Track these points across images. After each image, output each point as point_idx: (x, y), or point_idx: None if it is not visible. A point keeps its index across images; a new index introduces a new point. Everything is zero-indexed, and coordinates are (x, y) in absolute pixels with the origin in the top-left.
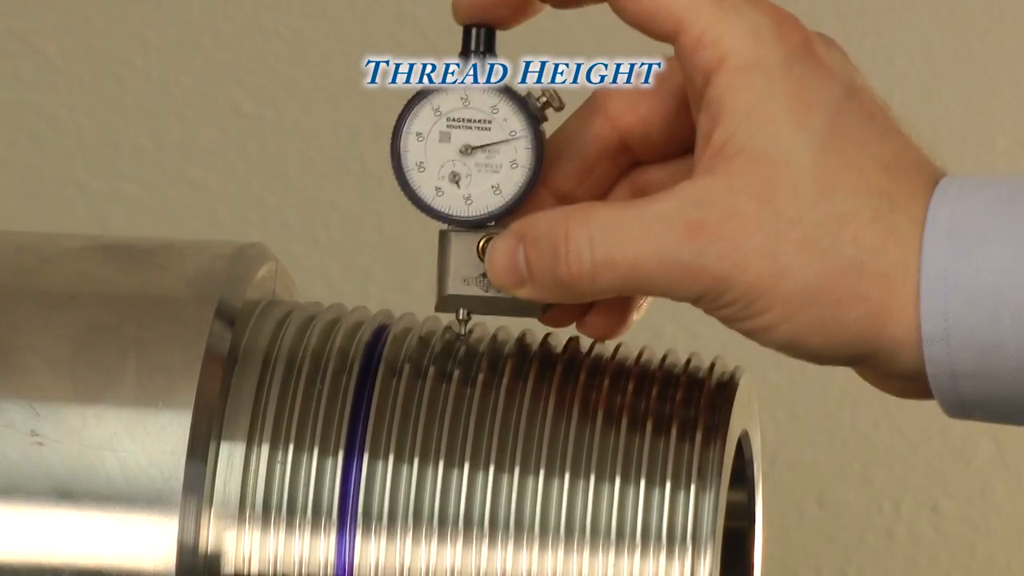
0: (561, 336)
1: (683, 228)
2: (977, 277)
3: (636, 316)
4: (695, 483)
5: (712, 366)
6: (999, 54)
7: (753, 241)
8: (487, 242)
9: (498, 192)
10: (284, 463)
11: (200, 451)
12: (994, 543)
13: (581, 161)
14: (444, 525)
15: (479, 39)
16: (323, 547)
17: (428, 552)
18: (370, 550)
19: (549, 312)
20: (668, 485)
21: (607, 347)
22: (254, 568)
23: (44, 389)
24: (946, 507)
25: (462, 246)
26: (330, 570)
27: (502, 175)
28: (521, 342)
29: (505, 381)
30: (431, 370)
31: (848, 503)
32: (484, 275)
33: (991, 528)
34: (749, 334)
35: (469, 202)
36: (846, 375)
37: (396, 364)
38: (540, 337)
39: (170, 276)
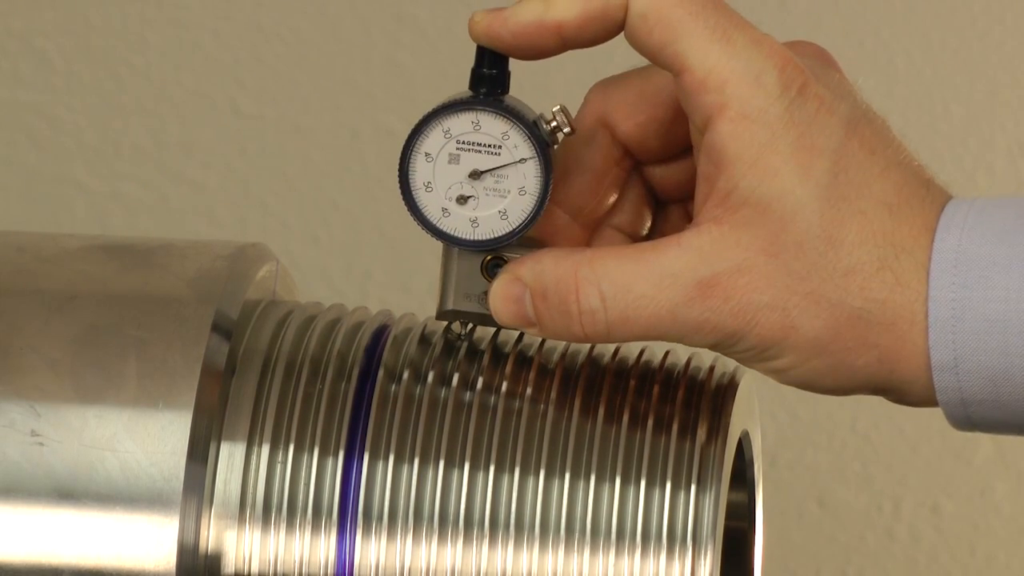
0: None
1: (694, 287)
2: (985, 307)
3: None
4: (695, 483)
5: (712, 366)
6: (999, 54)
7: (763, 297)
8: (491, 260)
9: (505, 217)
10: (284, 463)
11: (200, 451)
12: (994, 543)
13: (591, 174)
14: (444, 525)
15: (493, 60)
16: (323, 547)
17: (428, 552)
18: (370, 550)
19: None
20: (668, 485)
21: (608, 347)
22: (254, 568)
23: (44, 389)
24: (946, 507)
25: (466, 262)
26: (330, 570)
27: (510, 200)
28: (521, 343)
29: (505, 382)
30: (431, 371)
31: (848, 503)
32: (486, 293)
33: (991, 528)
34: (765, 373)
35: (475, 225)
36: None
37: (396, 365)
38: (540, 338)
39: (170, 276)
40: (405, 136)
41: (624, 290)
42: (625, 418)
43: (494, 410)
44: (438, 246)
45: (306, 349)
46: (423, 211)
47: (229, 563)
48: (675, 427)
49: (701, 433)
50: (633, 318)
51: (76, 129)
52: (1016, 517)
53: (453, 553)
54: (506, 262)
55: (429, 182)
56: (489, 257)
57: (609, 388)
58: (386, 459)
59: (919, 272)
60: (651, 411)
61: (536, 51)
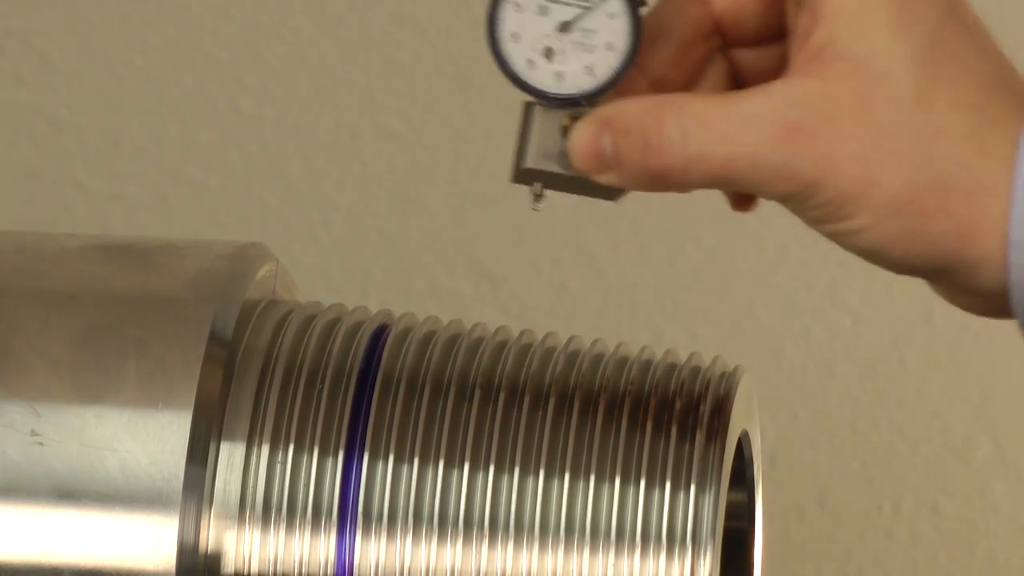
0: (562, 334)
1: (779, 129)
2: None
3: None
4: (695, 483)
5: (712, 366)
6: None
7: (848, 148)
8: (572, 120)
9: (591, 73)
10: (284, 463)
11: (200, 451)
12: (994, 543)
13: (676, 44)
14: (444, 525)
15: None
16: (323, 547)
17: (428, 552)
18: (370, 550)
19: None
20: (668, 485)
21: (607, 346)
22: (254, 568)
23: (44, 389)
24: (946, 507)
25: (546, 120)
26: (330, 570)
27: (597, 56)
28: (521, 340)
29: (505, 381)
30: (431, 371)
31: (848, 503)
32: (565, 152)
33: (991, 528)
34: (833, 236)
35: (561, 79)
36: (846, 375)
37: (396, 364)
38: (540, 336)
39: (170, 276)
40: (405, 136)
41: (707, 125)
42: (625, 418)
43: (494, 410)
44: (438, 246)
45: (306, 349)
46: (509, 62)
47: (229, 563)
48: (675, 427)
49: (701, 433)
50: (712, 154)
51: (76, 129)
52: (1016, 517)
53: (453, 553)
54: None
55: (516, 32)
56: (570, 116)
57: (609, 388)
58: (386, 459)
59: (1009, 145)
60: (651, 411)
61: None
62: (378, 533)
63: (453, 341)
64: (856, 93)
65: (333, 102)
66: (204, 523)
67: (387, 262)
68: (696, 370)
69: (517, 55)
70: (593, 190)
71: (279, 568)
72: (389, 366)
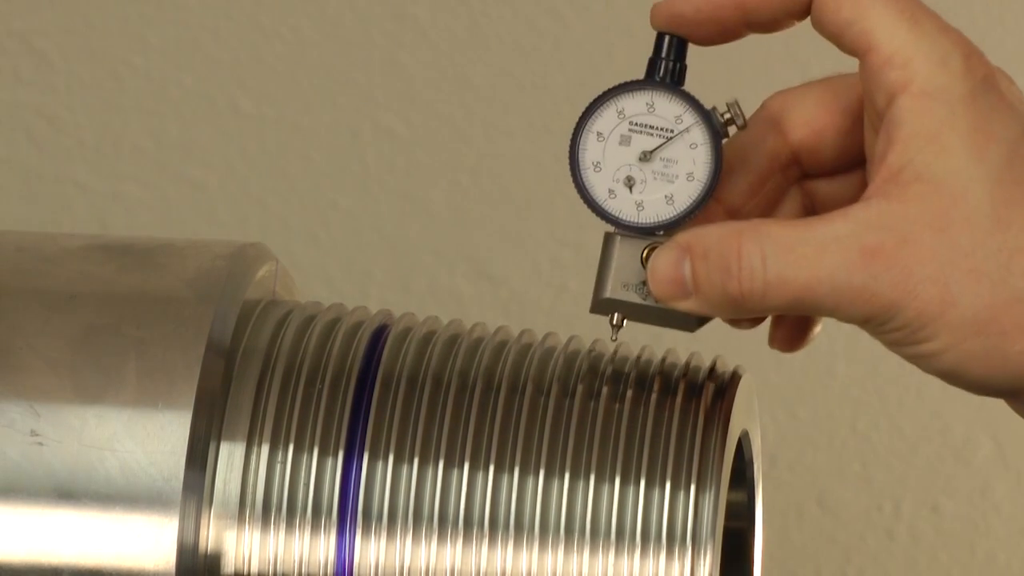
0: (562, 335)
1: (858, 252)
2: None
3: (816, 331)
4: (695, 483)
5: (712, 366)
6: (999, 54)
7: (926, 269)
8: (652, 251)
9: (671, 202)
10: (284, 463)
11: (200, 451)
12: (994, 543)
13: (754, 175)
14: (444, 525)
15: (670, 47)
16: (323, 547)
17: (428, 552)
18: (370, 550)
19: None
20: (668, 485)
21: (607, 347)
22: (254, 568)
23: (44, 389)
24: (946, 507)
25: (626, 251)
26: (330, 570)
27: (677, 186)
28: (521, 340)
29: (505, 381)
30: (431, 370)
31: (848, 503)
32: (644, 283)
33: (991, 528)
34: (913, 359)
35: (641, 209)
36: (846, 375)
37: (396, 364)
38: (540, 336)
39: (170, 276)
40: (405, 136)
41: (786, 250)
42: (625, 418)
43: (494, 410)
44: (438, 246)
45: (306, 349)
46: (590, 191)
47: (229, 563)
48: (675, 427)
49: (700, 433)
50: (791, 279)
51: (76, 129)
52: (1016, 517)
53: (453, 553)
54: None
55: (598, 162)
56: (649, 247)
57: (609, 387)
58: (386, 459)
59: None
60: (651, 411)
61: (717, 29)
62: (378, 533)
63: (453, 341)
64: (934, 214)
65: (333, 102)
66: (204, 523)
67: (387, 262)
68: (696, 370)
69: (599, 184)
70: (672, 320)
71: (279, 568)
72: (389, 366)
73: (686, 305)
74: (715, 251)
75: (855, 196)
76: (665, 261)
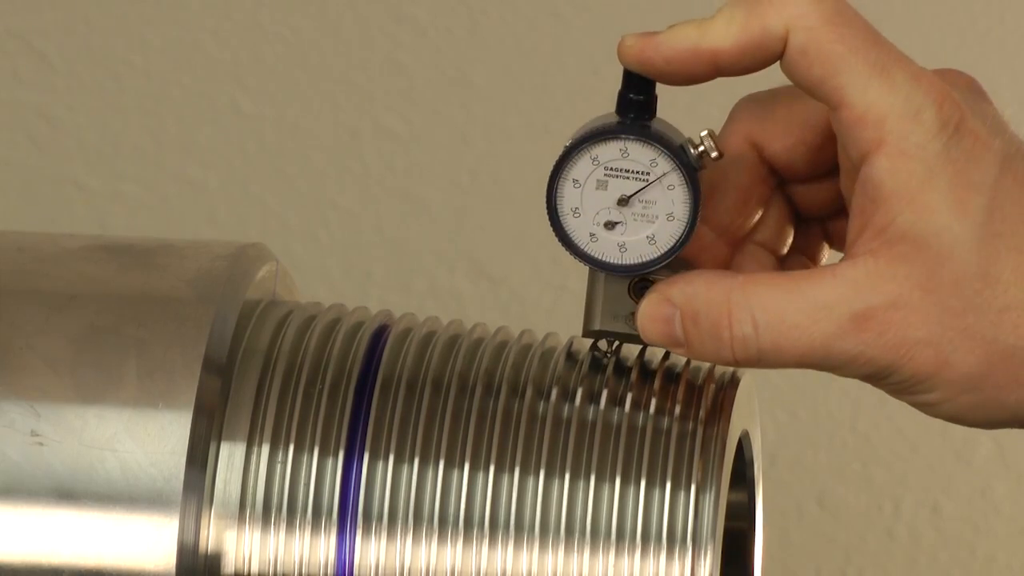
0: (562, 335)
1: (848, 320)
2: None
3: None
4: (695, 483)
5: (712, 366)
6: (999, 54)
7: (918, 333)
8: (639, 282)
9: (653, 242)
10: (284, 463)
11: (200, 451)
12: (994, 543)
13: (736, 192)
14: (444, 525)
15: (641, 85)
16: (323, 547)
17: (428, 552)
18: (370, 550)
19: None
20: (668, 485)
21: (607, 347)
22: (254, 568)
23: (44, 389)
24: (946, 507)
25: (613, 284)
26: (330, 570)
27: (658, 226)
28: (521, 340)
29: (506, 381)
30: (431, 371)
31: (848, 503)
32: (634, 314)
33: (991, 528)
34: (914, 406)
35: (623, 250)
36: None
37: (396, 364)
38: (541, 336)
39: (170, 276)
40: (405, 136)
41: (777, 319)
42: (625, 418)
43: (494, 410)
44: (438, 246)
45: (306, 349)
46: (571, 236)
47: (229, 563)
48: (675, 427)
49: (701, 433)
50: (785, 347)
51: (76, 129)
52: (1016, 517)
53: (453, 553)
54: (653, 283)
55: (577, 208)
56: (636, 279)
57: (609, 388)
58: (386, 459)
59: None
60: (651, 411)
61: (687, 77)
62: (378, 533)
63: (453, 341)
64: (921, 275)
65: (333, 102)
66: (204, 523)
67: (387, 262)
68: (696, 370)
69: (579, 230)
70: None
71: (279, 568)
72: (389, 366)
73: (680, 353)
74: (705, 316)
75: (835, 199)
76: (656, 314)
